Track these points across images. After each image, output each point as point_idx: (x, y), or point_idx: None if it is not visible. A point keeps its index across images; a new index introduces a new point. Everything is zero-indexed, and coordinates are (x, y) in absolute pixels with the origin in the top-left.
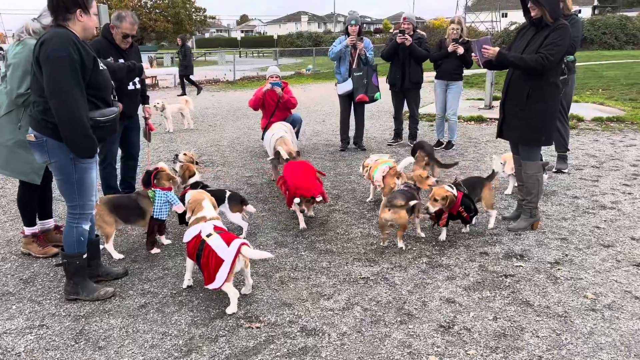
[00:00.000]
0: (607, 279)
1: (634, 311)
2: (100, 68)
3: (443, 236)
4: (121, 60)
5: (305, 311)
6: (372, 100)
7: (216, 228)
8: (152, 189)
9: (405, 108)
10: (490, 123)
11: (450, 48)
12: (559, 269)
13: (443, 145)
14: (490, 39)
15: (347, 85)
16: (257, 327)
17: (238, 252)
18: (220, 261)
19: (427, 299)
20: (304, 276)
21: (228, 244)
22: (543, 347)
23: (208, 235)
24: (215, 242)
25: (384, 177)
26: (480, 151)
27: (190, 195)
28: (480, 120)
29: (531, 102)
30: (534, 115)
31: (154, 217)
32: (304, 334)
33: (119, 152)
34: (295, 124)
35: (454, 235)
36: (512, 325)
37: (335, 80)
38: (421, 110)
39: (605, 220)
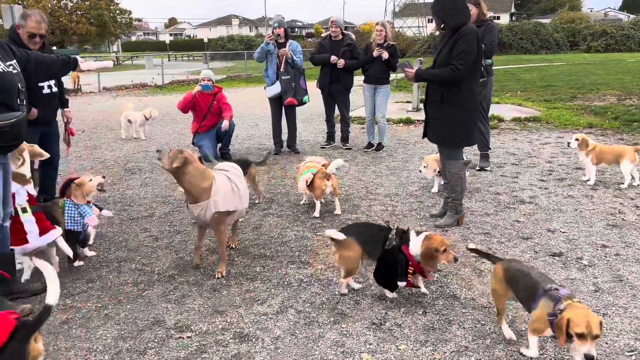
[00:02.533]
0: None
1: None
2: (0, 70)
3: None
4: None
5: (238, 317)
6: (301, 103)
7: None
8: (65, 198)
9: (337, 111)
10: (418, 125)
11: (375, 53)
12: (482, 262)
13: (374, 147)
14: (408, 62)
15: (276, 88)
16: (188, 337)
17: None
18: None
19: (360, 297)
20: (237, 282)
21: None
22: (469, 337)
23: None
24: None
25: (311, 182)
26: (409, 152)
27: None
28: (408, 122)
29: (445, 105)
30: (448, 117)
31: (67, 228)
32: (237, 340)
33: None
34: (230, 128)
35: None
36: (440, 318)
37: (265, 84)
38: (352, 113)
39: (524, 215)
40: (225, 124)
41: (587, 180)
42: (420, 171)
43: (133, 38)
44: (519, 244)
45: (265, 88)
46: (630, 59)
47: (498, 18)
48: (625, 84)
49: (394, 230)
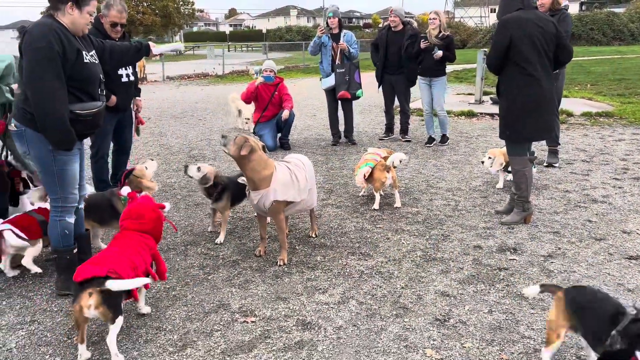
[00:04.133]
0: (600, 272)
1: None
2: (85, 61)
3: None
4: None
5: (300, 305)
6: (354, 97)
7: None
8: (125, 195)
9: (397, 102)
10: (481, 118)
11: (422, 45)
12: (552, 262)
13: (436, 141)
14: None
15: (330, 80)
16: (252, 322)
17: None
18: None
19: (422, 292)
20: (299, 270)
21: None
22: (538, 339)
23: None
24: None
25: (370, 174)
26: (471, 145)
27: None
28: (470, 115)
29: (500, 97)
30: (500, 109)
31: None
32: (299, 327)
33: (111, 145)
34: (290, 118)
35: (447, 229)
36: (507, 318)
37: (320, 75)
38: (412, 105)
39: (596, 214)
40: (285, 113)
41: None
42: (483, 162)
43: (194, 29)
44: (592, 245)
45: (320, 80)
46: None
47: (567, 7)
48: None
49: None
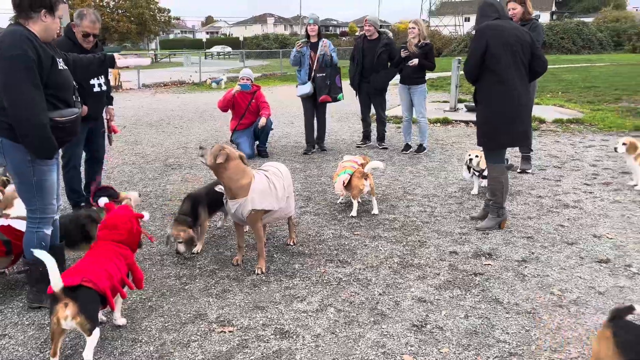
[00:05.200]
0: (572, 276)
1: (598, 306)
2: (60, 68)
3: None
4: None
5: (278, 314)
6: (335, 100)
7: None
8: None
9: (373, 111)
10: (456, 125)
11: (402, 53)
12: (526, 267)
13: (411, 149)
14: None
15: (306, 88)
16: (230, 332)
17: None
18: None
19: (400, 298)
20: (277, 279)
21: None
22: (513, 343)
23: None
24: None
25: (349, 182)
26: (447, 152)
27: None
28: (446, 122)
29: (477, 104)
30: (477, 117)
31: None
32: (277, 336)
33: (84, 154)
34: (267, 126)
35: (423, 235)
36: (483, 322)
37: (297, 83)
38: (388, 113)
39: (568, 219)
40: (262, 121)
41: (635, 185)
42: (471, 159)
43: (170, 36)
44: (564, 249)
45: (297, 87)
46: None
47: (539, 17)
48: None
49: None
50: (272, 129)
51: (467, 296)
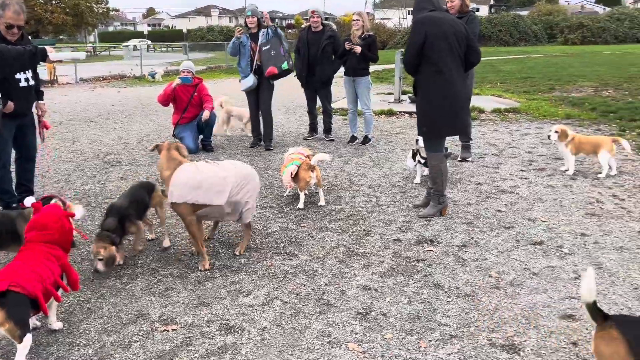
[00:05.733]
0: (508, 258)
1: (532, 286)
2: None
3: None
4: None
5: (224, 309)
6: (281, 71)
7: None
8: None
9: (319, 103)
10: (400, 116)
11: (346, 46)
12: (466, 252)
13: (357, 141)
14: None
15: (249, 81)
16: (173, 330)
17: None
18: None
19: (345, 287)
20: (222, 274)
21: None
22: (454, 325)
23: None
24: None
25: (296, 174)
26: (391, 143)
27: None
28: (390, 113)
29: (417, 95)
30: (417, 107)
31: None
32: (223, 332)
33: (14, 153)
34: (211, 119)
35: (369, 225)
36: (425, 307)
37: (240, 76)
38: (335, 105)
39: (505, 204)
40: (206, 114)
41: (566, 170)
42: (417, 140)
43: (110, 28)
44: (501, 233)
45: (240, 81)
46: (606, 51)
47: (477, 10)
48: (602, 76)
49: None
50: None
51: (410, 282)
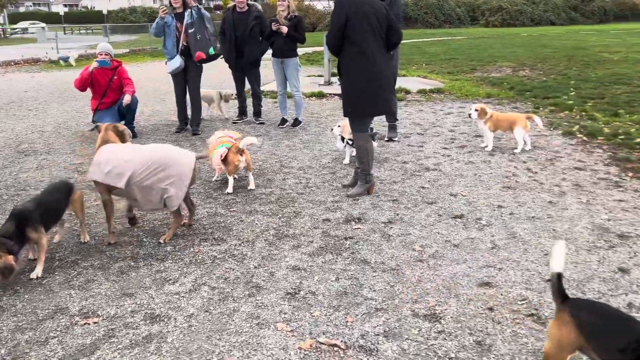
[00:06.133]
0: (431, 232)
1: (452, 257)
2: None
3: None
4: None
5: (148, 299)
6: (209, 55)
7: None
8: None
9: (248, 86)
10: (330, 98)
11: (273, 27)
12: (391, 227)
13: (288, 123)
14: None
15: (176, 63)
16: (95, 323)
17: None
18: None
19: (275, 269)
20: (147, 263)
21: None
22: (379, 299)
23: None
24: None
25: (225, 158)
26: (322, 125)
27: None
28: (320, 95)
29: (340, 76)
30: (341, 88)
31: None
32: (147, 322)
33: None
34: (133, 104)
35: (299, 206)
36: (352, 283)
37: (165, 58)
38: (265, 88)
39: (429, 181)
40: (127, 98)
41: (486, 147)
42: (332, 129)
43: (21, 9)
44: (424, 209)
45: (166, 63)
46: (523, 33)
47: None
48: (519, 57)
49: None
50: (140, 107)
51: (338, 260)
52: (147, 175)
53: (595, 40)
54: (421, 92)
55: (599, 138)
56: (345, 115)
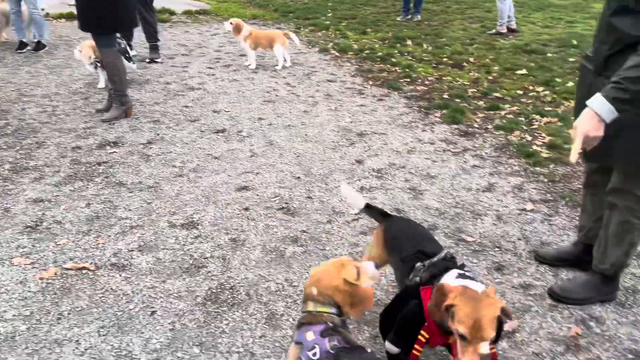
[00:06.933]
0: (193, 148)
1: (213, 168)
2: None
3: None
4: None
5: None
6: None
7: None
8: None
9: None
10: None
11: None
12: (151, 148)
13: (28, 47)
14: None
15: None
16: None
17: None
18: None
19: (11, 204)
20: None
21: None
22: (134, 217)
23: None
24: None
25: None
26: (72, 48)
27: None
28: (71, 17)
29: None
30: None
31: None
32: None
33: None
34: None
35: (42, 136)
36: (105, 206)
37: None
38: None
39: (192, 100)
40: None
41: (249, 65)
42: (74, 54)
43: None
44: (187, 127)
45: None
46: None
47: None
48: None
49: (442, 255)
50: None
51: (89, 186)
52: None
53: None
54: (187, 13)
55: (349, 53)
56: (85, 30)
